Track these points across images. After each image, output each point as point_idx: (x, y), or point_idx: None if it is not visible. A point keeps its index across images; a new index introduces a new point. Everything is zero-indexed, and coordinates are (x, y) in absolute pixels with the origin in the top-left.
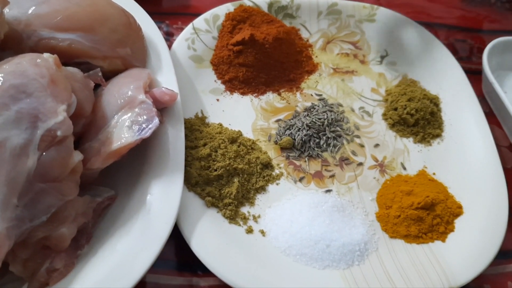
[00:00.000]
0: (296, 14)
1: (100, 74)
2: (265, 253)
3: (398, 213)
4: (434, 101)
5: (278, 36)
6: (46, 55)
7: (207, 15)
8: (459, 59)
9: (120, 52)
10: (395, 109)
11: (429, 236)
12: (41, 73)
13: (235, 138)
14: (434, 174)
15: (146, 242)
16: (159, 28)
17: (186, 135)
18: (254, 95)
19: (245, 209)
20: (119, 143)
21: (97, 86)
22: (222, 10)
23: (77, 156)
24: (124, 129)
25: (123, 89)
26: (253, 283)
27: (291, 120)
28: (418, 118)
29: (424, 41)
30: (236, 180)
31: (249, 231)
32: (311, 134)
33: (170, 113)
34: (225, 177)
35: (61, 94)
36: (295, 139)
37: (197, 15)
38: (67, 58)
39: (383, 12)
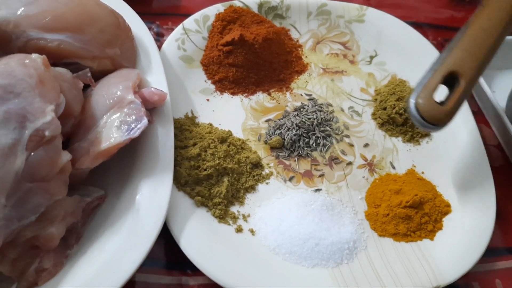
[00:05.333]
0: (286, 15)
1: (89, 74)
2: (255, 252)
3: (387, 212)
4: None
5: (267, 36)
6: (34, 55)
7: (197, 15)
8: None
9: (109, 53)
10: (384, 108)
11: (417, 235)
12: (29, 74)
13: (225, 138)
14: (422, 173)
15: (135, 242)
16: (150, 28)
17: (176, 135)
18: (244, 95)
19: (234, 209)
20: (108, 143)
21: (86, 87)
22: (212, 11)
23: (66, 156)
24: (113, 129)
25: (112, 89)
26: (242, 282)
27: (281, 120)
28: (407, 118)
29: (413, 41)
30: (225, 179)
31: (239, 230)
32: (300, 133)
33: (160, 113)
34: (215, 177)
35: (49, 94)
36: (284, 139)
37: (187, 15)
38: (56, 58)
39: (372, 13)
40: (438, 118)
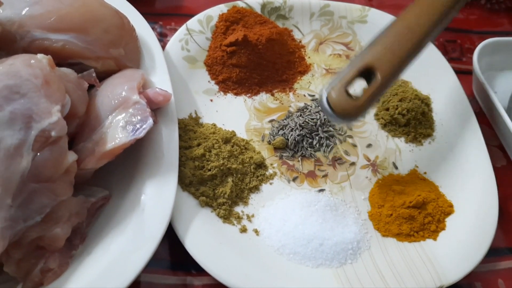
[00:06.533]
0: (289, 15)
1: (94, 74)
2: (259, 252)
3: (390, 212)
4: (425, 101)
5: (271, 37)
6: (40, 55)
7: (200, 16)
8: (450, 59)
9: (113, 53)
10: (387, 109)
11: (420, 235)
12: (35, 74)
13: (228, 138)
14: (425, 173)
15: (140, 242)
16: (153, 29)
17: (180, 136)
18: (247, 95)
19: (239, 209)
20: (113, 143)
21: (91, 87)
22: (215, 11)
23: (71, 157)
24: (118, 130)
25: (117, 89)
26: (246, 282)
27: (284, 120)
28: (410, 118)
29: None
30: (230, 180)
31: (243, 230)
32: (304, 134)
33: (164, 113)
34: (219, 177)
35: (55, 95)
36: (288, 139)
37: (190, 16)
38: (60, 58)
39: (374, 13)
40: (348, 111)
